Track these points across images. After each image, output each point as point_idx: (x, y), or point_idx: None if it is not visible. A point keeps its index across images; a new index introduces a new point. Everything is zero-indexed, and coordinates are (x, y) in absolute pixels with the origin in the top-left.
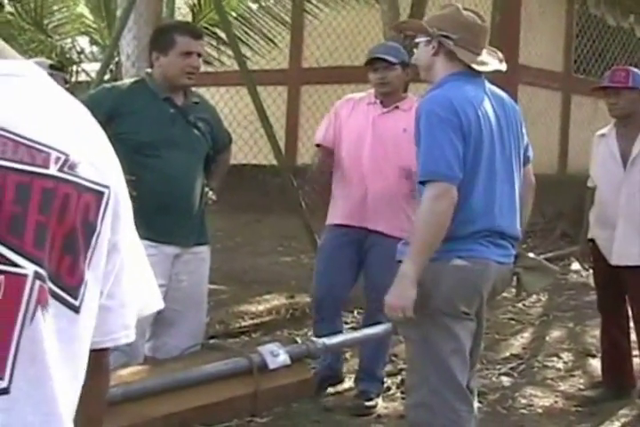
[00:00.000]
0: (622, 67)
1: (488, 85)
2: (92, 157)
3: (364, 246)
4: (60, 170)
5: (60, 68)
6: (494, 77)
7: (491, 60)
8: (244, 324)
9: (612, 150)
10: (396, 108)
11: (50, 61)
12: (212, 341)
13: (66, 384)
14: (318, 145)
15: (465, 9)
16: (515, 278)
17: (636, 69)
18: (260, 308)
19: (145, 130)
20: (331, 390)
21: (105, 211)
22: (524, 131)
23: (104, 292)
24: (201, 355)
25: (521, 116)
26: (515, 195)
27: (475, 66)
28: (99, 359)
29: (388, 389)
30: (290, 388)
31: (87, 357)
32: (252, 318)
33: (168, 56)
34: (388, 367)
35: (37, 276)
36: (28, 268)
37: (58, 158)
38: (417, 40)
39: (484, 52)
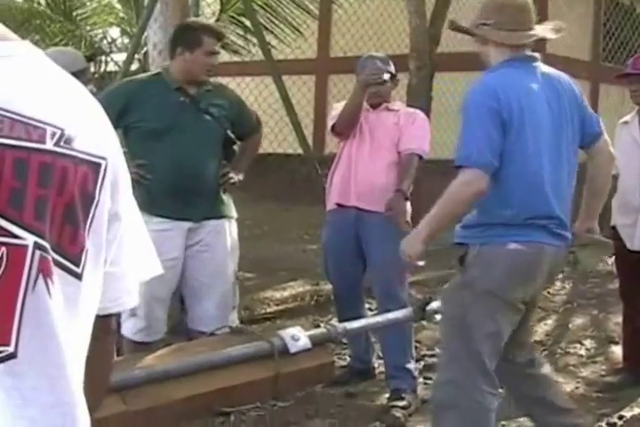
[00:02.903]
0: None
1: (543, 69)
2: (89, 130)
3: (359, 227)
4: (57, 144)
5: (91, 59)
6: None
7: (538, 33)
8: (268, 310)
9: (635, 137)
10: (386, 108)
11: (86, 54)
12: (234, 325)
13: (73, 348)
14: (333, 126)
15: None
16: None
17: None
18: (285, 294)
19: (153, 117)
20: None
21: (103, 181)
22: (584, 108)
23: (108, 259)
24: (223, 339)
25: (578, 94)
26: (566, 178)
27: (513, 40)
28: (105, 324)
29: None
30: (310, 372)
31: (92, 321)
32: (277, 305)
33: (194, 53)
34: None
35: (38, 246)
36: (28, 239)
37: (54, 133)
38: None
39: (533, 26)
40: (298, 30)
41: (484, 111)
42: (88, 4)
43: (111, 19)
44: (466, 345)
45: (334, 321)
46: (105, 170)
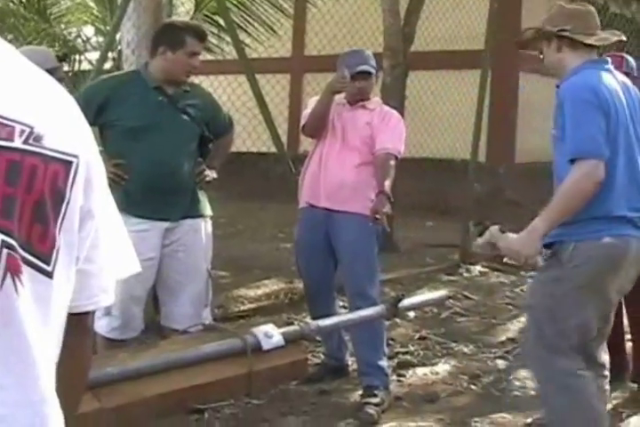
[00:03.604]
0: (617, 53)
1: (615, 72)
2: (60, 128)
3: (330, 226)
4: (25, 142)
5: (64, 59)
6: (495, 66)
7: (609, 36)
8: (243, 308)
9: None
10: (362, 106)
11: (56, 53)
12: (207, 323)
13: (43, 347)
14: (304, 127)
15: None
16: None
17: (628, 56)
18: (259, 292)
19: (132, 116)
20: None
21: (74, 179)
22: None
23: (81, 256)
24: (196, 336)
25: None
26: None
27: (596, 42)
28: (82, 322)
29: None
30: (284, 369)
31: (65, 319)
32: (251, 303)
33: (176, 54)
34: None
35: (5, 245)
36: None
37: (22, 131)
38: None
39: (599, 31)
40: (272, 29)
41: (589, 106)
42: (62, 2)
43: (85, 17)
44: (554, 336)
45: (308, 319)
46: (77, 168)
